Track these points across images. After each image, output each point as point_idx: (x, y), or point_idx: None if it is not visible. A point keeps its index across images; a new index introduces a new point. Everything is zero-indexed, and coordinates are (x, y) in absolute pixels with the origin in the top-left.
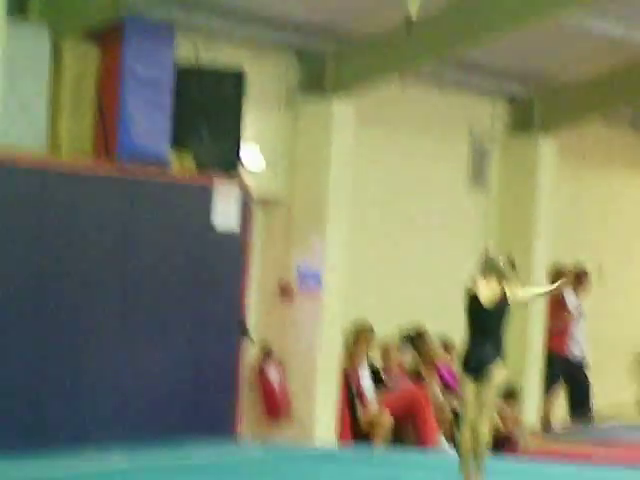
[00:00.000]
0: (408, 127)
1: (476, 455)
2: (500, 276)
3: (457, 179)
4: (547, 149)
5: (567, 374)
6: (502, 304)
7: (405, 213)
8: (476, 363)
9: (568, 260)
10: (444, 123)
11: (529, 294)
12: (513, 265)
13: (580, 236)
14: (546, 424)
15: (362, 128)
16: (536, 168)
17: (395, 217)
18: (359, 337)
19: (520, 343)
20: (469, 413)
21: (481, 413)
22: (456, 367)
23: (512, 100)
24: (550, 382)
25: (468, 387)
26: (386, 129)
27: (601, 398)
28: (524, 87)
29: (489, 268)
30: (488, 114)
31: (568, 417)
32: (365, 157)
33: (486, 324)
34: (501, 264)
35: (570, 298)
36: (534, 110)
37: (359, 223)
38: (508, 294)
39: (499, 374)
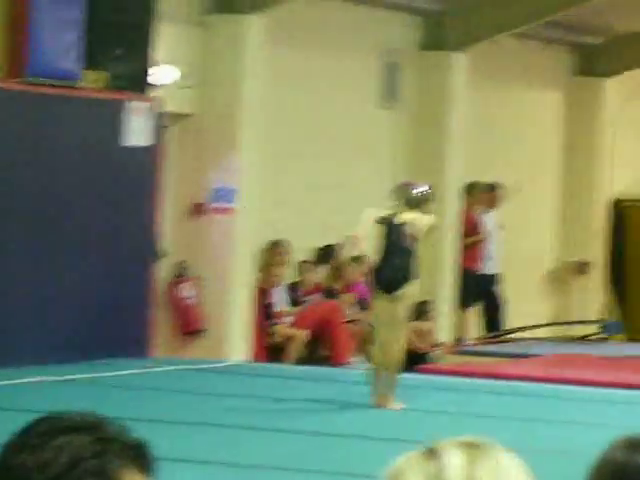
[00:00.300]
0: (320, 44)
1: (387, 371)
2: (416, 207)
3: (368, 96)
4: (459, 66)
5: (481, 291)
6: (416, 227)
7: (317, 130)
8: (388, 280)
9: (482, 178)
10: (356, 39)
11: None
12: (431, 196)
13: (494, 153)
14: (460, 340)
15: (274, 45)
16: (448, 85)
17: (307, 134)
18: (274, 254)
19: (433, 260)
20: (380, 330)
21: (393, 330)
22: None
23: (424, 16)
24: (464, 299)
25: (380, 304)
26: (298, 46)
27: (515, 314)
28: (437, 2)
29: (406, 199)
30: (400, 30)
31: (482, 333)
32: (277, 74)
33: (398, 244)
34: (418, 195)
35: (483, 215)
36: (446, 26)
37: (272, 141)
38: (423, 222)
39: (411, 291)
